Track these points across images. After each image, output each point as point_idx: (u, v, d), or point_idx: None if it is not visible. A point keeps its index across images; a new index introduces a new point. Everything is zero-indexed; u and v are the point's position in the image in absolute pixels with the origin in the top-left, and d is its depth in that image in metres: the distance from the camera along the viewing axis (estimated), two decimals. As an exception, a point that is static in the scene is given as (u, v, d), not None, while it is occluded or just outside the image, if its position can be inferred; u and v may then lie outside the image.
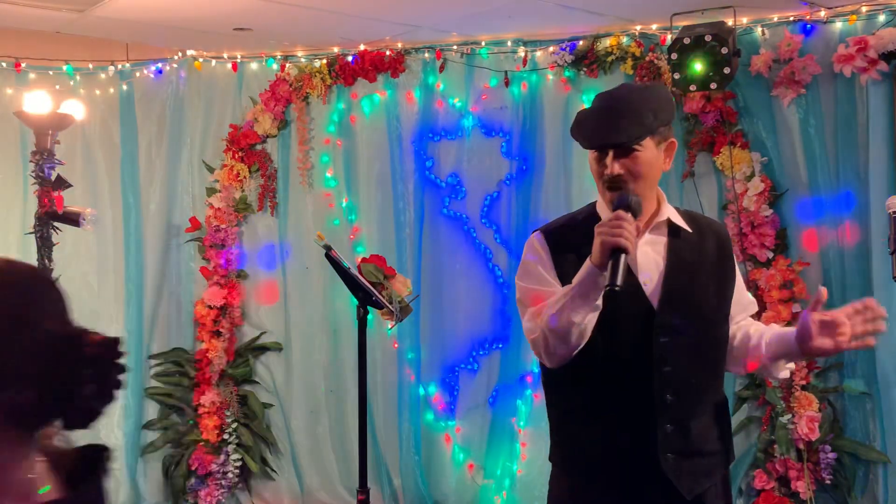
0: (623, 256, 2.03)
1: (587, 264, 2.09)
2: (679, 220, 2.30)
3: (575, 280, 2.11)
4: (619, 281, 2.00)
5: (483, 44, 4.99)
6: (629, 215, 2.08)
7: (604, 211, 2.27)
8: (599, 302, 2.10)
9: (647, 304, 2.22)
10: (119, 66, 5.33)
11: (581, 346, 2.15)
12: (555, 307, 2.12)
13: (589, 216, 2.30)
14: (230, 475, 5.19)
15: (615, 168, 2.16)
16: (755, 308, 2.48)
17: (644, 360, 2.19)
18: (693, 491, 2.24)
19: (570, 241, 2.24)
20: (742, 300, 2.40)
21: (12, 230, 5.15)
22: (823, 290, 2.15)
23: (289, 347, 5.37)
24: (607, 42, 4.69)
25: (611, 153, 2.17)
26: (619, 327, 2.19)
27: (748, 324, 2.40)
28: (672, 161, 2.30)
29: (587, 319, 2.11)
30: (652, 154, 2.20)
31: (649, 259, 2.25)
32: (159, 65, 5.35)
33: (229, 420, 5.23)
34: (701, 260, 2.29)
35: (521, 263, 2.31)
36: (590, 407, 2.27)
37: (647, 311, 2.21)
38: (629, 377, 2.20)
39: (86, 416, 1.24)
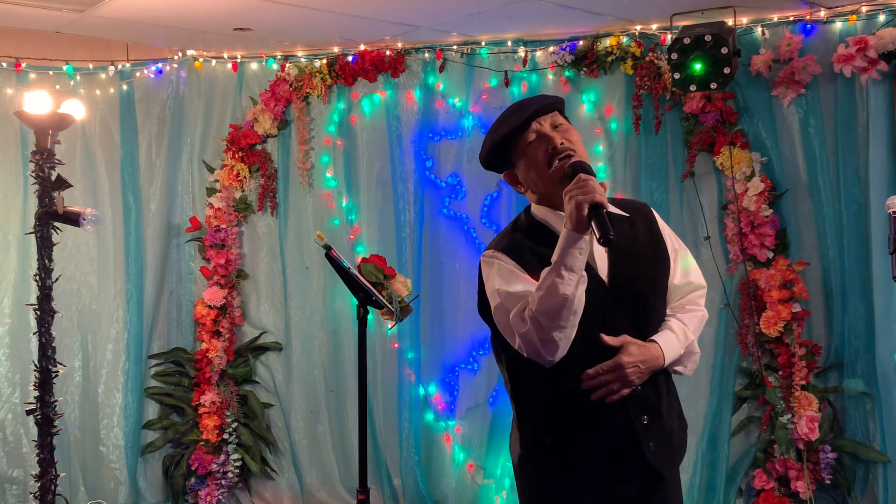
0: (602, 211, 2.05)
1: (564, 234, 2.09)
2: (612, 208, 2.30)
3: (556, 254, 2.09)
4: (611, 231, 2.02)
5: (483, 44, 4.99)
6: (591, 176, 2.11)
7: (540, 213, 2.32)
8: (585, 274, 2.11)
9: (609, 295, 2.25)
10: (119, 66, 5.34)
11: (574, 329, 2.13)
12: (542, 289, 2.09)
13: (531, 223, 2.34)
14: (230, 475, 5.20)
15: (558, 137, 2.25)
16: (700, 291, 2.40)
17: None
18: (672, 470, 2.33)
19: (524, 246, 2.25)
20: (678, 282, 2.38)
21: (12, 230, 5.16)
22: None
23: (289, 347, 5.37)
24: (607, 42, 4.69)
25: (547, 126, 2.26)
26: (587, 319, 2.17)
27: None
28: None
29: (578, 292, 2.09)
30: (571, 127, 2.31)
31: (600, 252, 2.26)
32: (159, 65, 5.36)
33: (229, 420, 5.23)
34: (636, 243, 2.33)
35: (494, 274, 2.26)
36: (568, 411, 2.26)
37: (609, 301, 2.24)
38: None
39: None
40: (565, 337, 2.12)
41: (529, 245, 2.26)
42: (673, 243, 2.40)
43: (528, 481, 2.40)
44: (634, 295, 2.28)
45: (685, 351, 2.32)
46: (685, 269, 2.40)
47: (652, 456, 2.25)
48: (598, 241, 2.03)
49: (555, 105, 2.33)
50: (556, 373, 2.21)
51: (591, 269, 2.21)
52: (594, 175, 2.14)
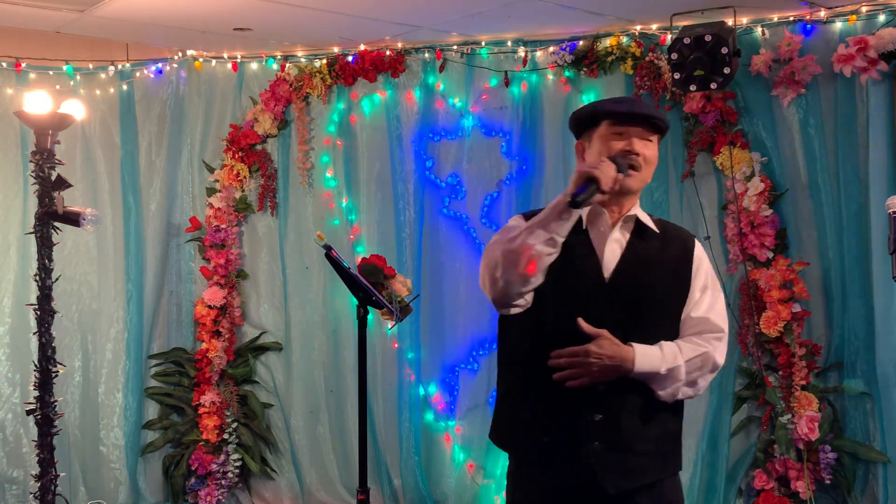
0: (593, 186, 2.15)
1: (559, 197, 2.20)
2: (647, 221, 2.40)
3: (543, 212, 2.22)
4: (581, 198, 2.13)
5: (483, 44, 4.99)
6: (613, 165, 2.22)
7: None
8: (559, 238, 2.19)
9: (604, 292, 2.30)
10: (119, 66, 5.34)
11: (528, 285, 2.20)
12: (517, 231, 2.22)
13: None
14: (230, 475, 5.20)
15: (637, 146, 2.31)
16: (717, 333, 2.37)
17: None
18: (618, 486, 2.28)
19: None
20: (696, 315, 2.36)
21: (12, 230, 5.16)
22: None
23: (289, 347, 5.37)
24: (607, 42, 4.69)
25: (638, 132, 2.32)
26: (575, 306, 2.26)
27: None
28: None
29: (541, 249, 2.17)
30: (655, 154, 2.39)
31: (613, 251, 2.34)
32: (159, 65, 5.36)
33: (229, 420, 5.23)
34: (658, 259, 2.36)
35: (502, 229, 2.39)
36: (533, 386, 2.33)
37: (603, 297, 2.29)
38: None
39: None
40: (509, 282, 2.19)
41: None
42: (706, 280, 2.39)
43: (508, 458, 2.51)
44: (632, 300, 2.30)
45: (666, 373, 2.27)
46: (709, 305, 2.37)
47: (594, 456, 2.26)
48: (567, 199, 2.15)
49: (660, 128, 2.37)
50: (537, 353, 2.28)
51: (596, 263, 2.31)
52: (624, 175, 2.24)
